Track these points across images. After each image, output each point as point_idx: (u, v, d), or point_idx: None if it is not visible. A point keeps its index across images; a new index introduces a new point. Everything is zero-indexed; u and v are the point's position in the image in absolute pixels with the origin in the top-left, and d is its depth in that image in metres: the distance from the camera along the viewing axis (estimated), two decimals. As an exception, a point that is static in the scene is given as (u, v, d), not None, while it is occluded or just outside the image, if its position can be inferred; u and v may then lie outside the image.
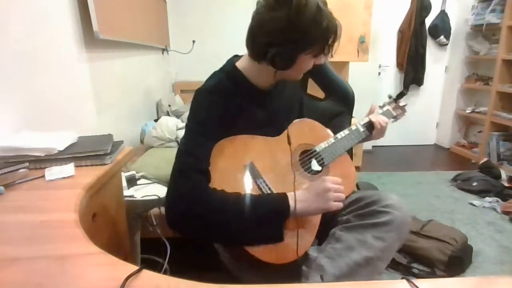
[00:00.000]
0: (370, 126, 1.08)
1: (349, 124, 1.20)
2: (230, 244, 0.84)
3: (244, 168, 0.87)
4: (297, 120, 1.01)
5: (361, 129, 1.07)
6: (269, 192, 0.85)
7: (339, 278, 0.77)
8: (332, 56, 0.86)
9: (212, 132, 0.85)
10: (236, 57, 0.96)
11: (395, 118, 1.18)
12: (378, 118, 1.08)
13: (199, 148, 0.82)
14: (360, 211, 0.86)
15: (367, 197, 0.88)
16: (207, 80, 0.92)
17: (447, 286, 0.49)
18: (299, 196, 0.81)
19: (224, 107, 0.86)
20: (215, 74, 0.93)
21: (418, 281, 0.46)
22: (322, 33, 0.80)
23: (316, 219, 0.88)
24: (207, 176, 0.81)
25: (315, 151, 0.99)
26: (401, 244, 0.84)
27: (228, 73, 0.91)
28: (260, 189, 0.85)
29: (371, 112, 1.13)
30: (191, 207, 0.75)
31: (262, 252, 0.79)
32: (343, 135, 1.03)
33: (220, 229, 0.78)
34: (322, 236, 0.89)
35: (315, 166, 0.98)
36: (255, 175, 0.87)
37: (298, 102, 1.11)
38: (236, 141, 0.89)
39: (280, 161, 0.92)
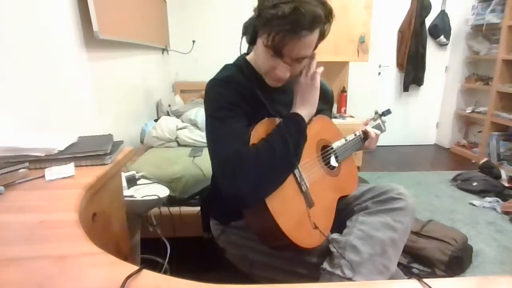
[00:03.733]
0: (364, 137, 1.17)
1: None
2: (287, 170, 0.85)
3: None
4: (318, 115, 1.05)
5: (359, 138, 1.16)
6: (302, 177, 0.88)
7: (373, 256, 0.81)
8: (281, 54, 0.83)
9: (239, 114, 0.84)
10: (246, 54, 0.97)
11: (382, 132, 1.28)
12: (371, 129, 1.17)
13: (232, 130, 0.81)
14: (378, 198, 0.93)
15: (380, 187, 0.97)
16: (219, 72, 0.93)
17: (450, 286, 0.49)
18: (297, 103, 0.91)
19: (241, 95, 0.87)
20: (226, 66, 0.94)
21: (429, 281, 0.46)
22: (271, 16, 0.74)
23: (333, 205, 0.95)
24: None
25: (332, 148, 1.05)
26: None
27: (239, 66, 0.93)
28: (296, 176, 0.87)
29: (364, 125, 1.21)
30: (251, 172, 0.75)
31: (298, 237, 0.81)
32: (350, 138, 1.12)
33: (277, 165, 0.80)
34: (337, 224, 0.93)
35: (333, 162, 1.04)
36: None
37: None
38: (273, 122, 0.89)
39: (307, 151, 0.95)
